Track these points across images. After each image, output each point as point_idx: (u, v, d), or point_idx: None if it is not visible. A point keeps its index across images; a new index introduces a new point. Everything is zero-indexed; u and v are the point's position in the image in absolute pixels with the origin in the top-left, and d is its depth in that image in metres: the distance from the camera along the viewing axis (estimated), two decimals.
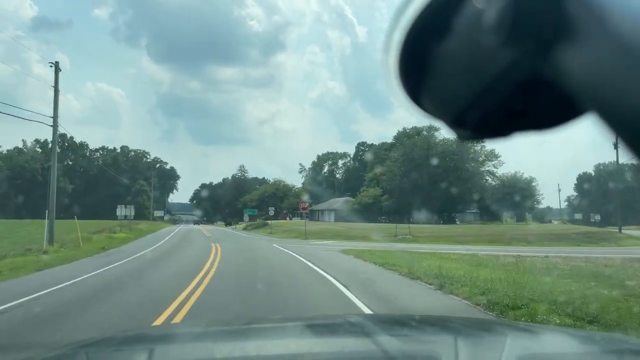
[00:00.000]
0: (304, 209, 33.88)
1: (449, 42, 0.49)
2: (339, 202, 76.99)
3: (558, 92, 0.44)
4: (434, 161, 61.16)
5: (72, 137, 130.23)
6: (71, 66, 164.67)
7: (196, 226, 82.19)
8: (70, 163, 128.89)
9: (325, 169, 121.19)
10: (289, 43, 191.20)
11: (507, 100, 0.48)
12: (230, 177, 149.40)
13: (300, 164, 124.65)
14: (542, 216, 77.37)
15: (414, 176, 63.65)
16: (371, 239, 30.74)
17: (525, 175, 73.12)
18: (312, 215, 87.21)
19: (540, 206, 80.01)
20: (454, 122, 0.54)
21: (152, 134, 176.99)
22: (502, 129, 0.54)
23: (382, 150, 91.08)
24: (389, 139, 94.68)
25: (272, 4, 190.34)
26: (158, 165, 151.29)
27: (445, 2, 0.48)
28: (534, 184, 72.07)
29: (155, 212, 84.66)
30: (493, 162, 72.43)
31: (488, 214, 71.52)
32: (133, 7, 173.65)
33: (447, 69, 0.51)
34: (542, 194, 74.82)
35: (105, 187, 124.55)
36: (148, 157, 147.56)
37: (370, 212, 67.08)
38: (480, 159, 70.13)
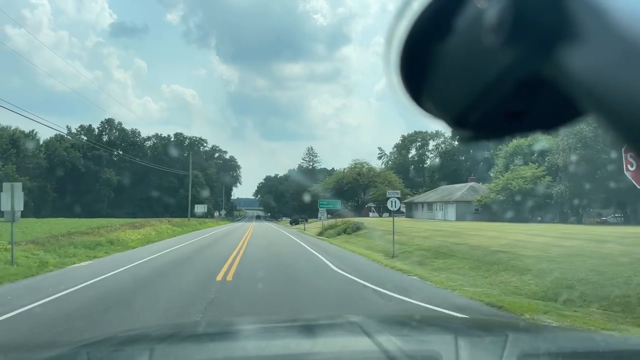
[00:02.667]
0: None
1: (450, 42, 0.47)
2: (461, 191, 48.58)
3: (559, 92, 0.42)
4: None
5: (120, 123, 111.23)
6: (148, 70, 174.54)
7: (254, 224, 59.19)
8: (120, 153, 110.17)
9: (413, 152, 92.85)
10: (354, 35, 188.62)
11: (508, 101, 0.47)
12: (295, 168, 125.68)
13: (380, 149, 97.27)
14: None
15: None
16: None
17: None
18: (410, 210, 59.98)
19: None
20: (455, 123, 0.52)
21: (222, 132, 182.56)
22: (504, 130, 0.52)
23: None
24: None
25: None
26: (217, 154, 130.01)
27: (446, 2, 0.46)
28: None
29: (197, 207, 60.66)
30: None
31: None
32: (203, 9, 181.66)
33: (448, 69, 0.49)
34: None
35: (156, 179, 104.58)
36: (205, 145, 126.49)
37: (521, 204, 39.00)
38: None
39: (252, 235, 30.95)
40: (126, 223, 33.98)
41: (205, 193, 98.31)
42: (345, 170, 70.76)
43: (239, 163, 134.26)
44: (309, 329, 2.10)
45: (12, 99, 51.61)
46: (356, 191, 62.47)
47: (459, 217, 43.97)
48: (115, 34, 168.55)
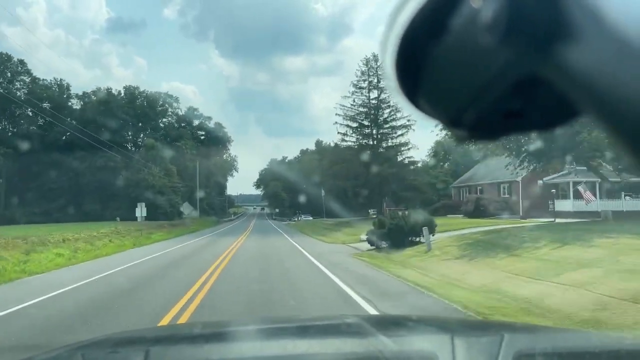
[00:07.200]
0: None
1: (446, 42, 0.46)
2: None
3: (555, 92, 0.42)
4: None
5: (24, 64, 64.63)
6: (148, 68, 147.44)
7: (239, 247, 13.35)
8: (41, 119, 64.36)
9: None
10: (356, 26, 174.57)
11: (504, 100, 0.46)
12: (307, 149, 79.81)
13: None
14: None
15: None
16: None
17: None
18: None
19: None
20: (450, 123, 0.52)
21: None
22: (500, 129, 0.51)
23: None
24: None
25: None
26: (198, 121, 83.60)
27: (442, 2, 0.46)
28: None
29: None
30: None
31: None
32: (200, 1, 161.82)
33: (443, 69, 0.49)
34: None
35: (88, 156, 58.94)
36: (176, 106, 79.82)
37: None
38: None
39: None
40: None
41: (175, 180, 54.04)
42: None
43: (230, 135, 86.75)
44: (306, 330, 2.07)
45: None
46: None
47: None
48: (113, 30, 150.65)
